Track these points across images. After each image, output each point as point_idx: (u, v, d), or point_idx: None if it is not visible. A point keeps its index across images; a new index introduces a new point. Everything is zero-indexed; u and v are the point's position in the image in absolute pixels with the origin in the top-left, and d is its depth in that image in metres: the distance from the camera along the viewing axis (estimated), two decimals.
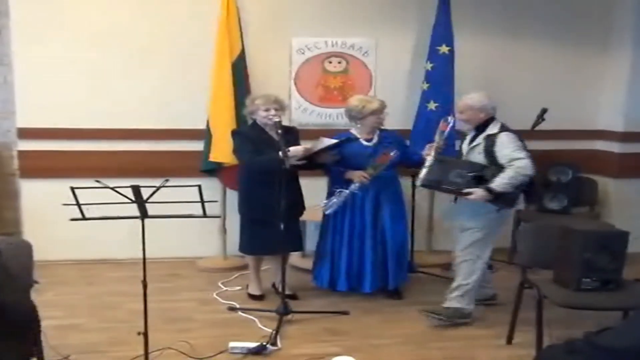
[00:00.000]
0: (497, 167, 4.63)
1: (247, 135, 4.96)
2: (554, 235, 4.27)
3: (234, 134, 5.07)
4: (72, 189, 3.59)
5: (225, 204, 6.01)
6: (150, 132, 6.00)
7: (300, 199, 5.15)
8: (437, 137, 4.91)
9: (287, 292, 4.91)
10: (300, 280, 5.63)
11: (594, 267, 4.05)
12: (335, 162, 5.10)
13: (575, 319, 4.30)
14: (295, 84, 6.23)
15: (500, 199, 4.63)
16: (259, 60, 6.04)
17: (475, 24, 6.38)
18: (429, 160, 4.82)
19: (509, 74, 6.45)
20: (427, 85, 6.04)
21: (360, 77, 6.32)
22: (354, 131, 5.19)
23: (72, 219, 3.68)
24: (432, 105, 5.98)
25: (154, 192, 3.66)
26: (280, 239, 4.68)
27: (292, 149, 4.71)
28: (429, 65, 6.04)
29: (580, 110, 6.72)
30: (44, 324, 3.44)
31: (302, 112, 6.26)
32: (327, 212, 5.08)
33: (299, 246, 5.29)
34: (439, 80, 5.98)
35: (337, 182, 5.12)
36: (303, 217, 5.40)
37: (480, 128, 4.84)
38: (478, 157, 4.76)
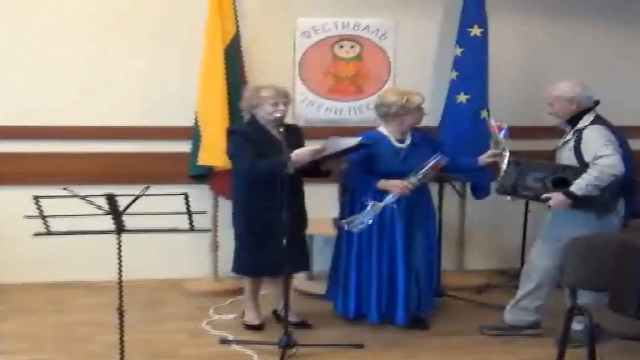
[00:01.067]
0: (584, 167, 4.69)
1: (248, 134, 4.94)
2: (609, 251, 4.24)
3: (231, 133, 5.05)
4: (36, 198, 3.59)
5: (217, 215, 6.00)
6: (128, 131, 6.00)
7: (305, 209, 5.15)
8: (501, 141, 5.01)
9: (294, 320, 4.90)
10: (307, 307, 5.61)
11: None
12: (346, 169, 5.09)
13: (634, 352, 4.27)
14: (300, 72, 6.24)
15: (590, 204, 4.67)
16: (256, 44, 6.04)
17: (513, 0, 6.37)
18: (504, 165, 4.94)
19: (553, 59, 6.43)
20: (456, 73, 6.04)
21: (376, 65, 6.32)
22: (383, 130, 5.18)
23: (36, 234, 3.68)
24: (462, 98, 5.98)
25: (132, 202, 3.67)
26: (284, 257, 4.67)
27: (297, 151, 4.69)
28: (458, 50, 6.04)
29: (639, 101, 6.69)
30: (2, 359, 3.45)
31: (308, 106, 6.27)
32: (354, 230, 5.02)
33: (305, 265, 5.29)
34: (470, 67, 5.98)
35: (361, 191, 5.08)
36: (309, 231, 5.38)
37: (573, 122, 4.90)
38: (568, 154, 4.85)
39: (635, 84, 6.67)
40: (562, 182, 4.74)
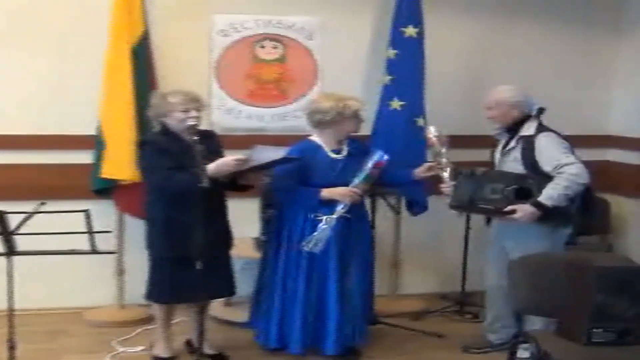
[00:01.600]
0: (542, 177, 4.79)
1: (162, 145, 4.86)
2: (556, 272, 4.30)
3: (143, 143, 4.98)
4: None
5: (122, 235, 5.94)
6: (21, 140, 5.90)
7: (229, 227, 5.11)
8: (443, 153, 5.06)
9: (209, 352, 4.85)
10: (224, 336, 5.59)
11: (608, 313, 4.09)
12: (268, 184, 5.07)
13: None
14: (217, 75, 6.21)
15: (552, 216, 4.77)
16: (167, 44, 5.99)
17: None
18: (446, 176, 5.01)
19: (496, 62, 6.55)
20: (390, 77, 6.07)
21: (301, 67, 6.33)
22: (316, 139, 5.15)
23: None
24: (396, 104, 6.01)
25: (25, 220, 3.60)
26: (206, 280, 4.60)
27: (219, 161, 4.65)
28: (392, 52, 6.08)
29: (587, 109, 6.83)
30: None
31: (226, 113, 6.24)
32: (315, 250, 4.95)
33: (231, 289, 5.20)
34: (405, 71, 6.03)
35: (302, 205, 5.03)
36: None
37: (513, 129, 5.03)
38: (513, 165, 4.98)
39: (584, 89, 6.80)
40: (523, 193, 4.81)
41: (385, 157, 5.03)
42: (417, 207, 6.15)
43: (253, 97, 6.28)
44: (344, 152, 5.15)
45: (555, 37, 6.73)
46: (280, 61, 6.30)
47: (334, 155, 5.12)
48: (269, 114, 6.29)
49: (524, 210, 4.77)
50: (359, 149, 5.22)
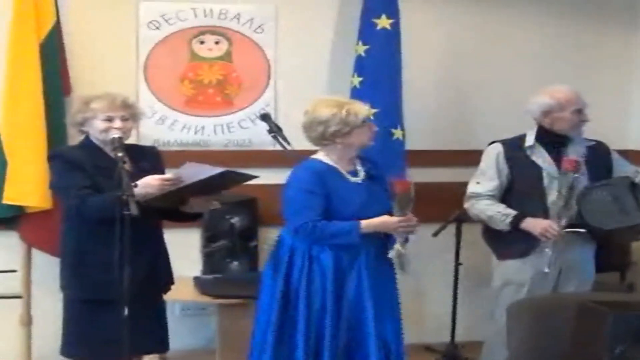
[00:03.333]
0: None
1: (75, 159, 4.78)
2: (565, 317, 4.33)
3: (53, 158, 4.92)
4: None
5: (30, 275, 5.91)
6: None
7: (165, 266, 5.01)
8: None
9: None
10: None
11: None
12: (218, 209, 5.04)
13: None
14: (146, 77, 6.24)
15: None
16: (84, 39, 6.03)
17: None
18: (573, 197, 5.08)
19: (488, 61, 6.61)
20: (360, 79, 6.13)
21: (250, 67, 6.37)
22: (324, 158, 4.83)
23: None
24: None
25: None
26: (135, 332, 4.50)
27: (140, 182, 4.54)
28: (362, 48, 6.15)
29: (600, 120, 6.82)
30: None
31: (158, 124, 6.26)
32: (407, 271, 4.86)
33: (163, 344, 5.11)
34: (378, 70, 6.10)
35: (340, 244, 4.76)
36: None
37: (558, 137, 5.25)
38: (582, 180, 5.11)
39: (595, 95, 6.77)
40: None
41: (407, 175, 4.89)
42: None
43: (191, 104, 6.31)
44: (362, 174, 4.84)
45: (558, 30, 6.81)
46: (224, 59, 6.34)
47: (353, 179, 4.81)
48: (210, 124, 6.32)
49: None
50: (377, 170, 4.94)
